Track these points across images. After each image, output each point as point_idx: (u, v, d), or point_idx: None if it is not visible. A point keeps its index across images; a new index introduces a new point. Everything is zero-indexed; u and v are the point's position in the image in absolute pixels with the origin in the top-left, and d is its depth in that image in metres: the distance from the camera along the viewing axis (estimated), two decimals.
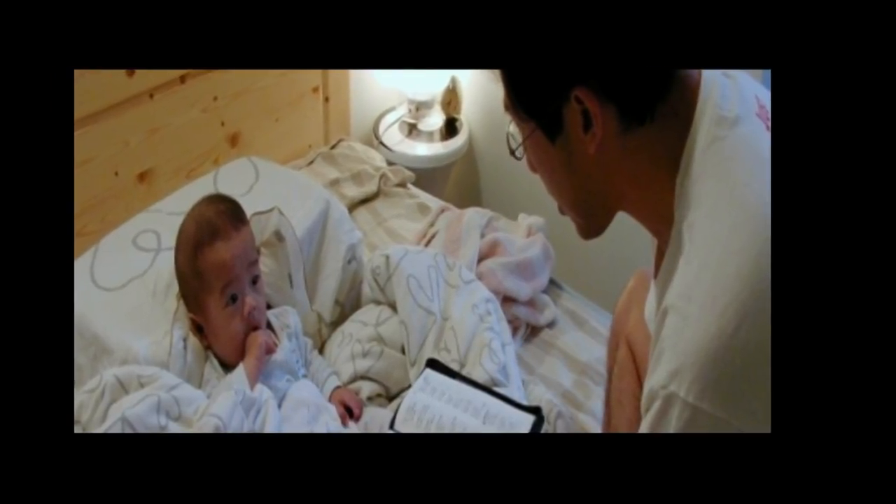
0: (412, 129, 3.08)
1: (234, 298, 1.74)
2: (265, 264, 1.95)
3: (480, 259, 2.24)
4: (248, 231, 1.81)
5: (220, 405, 1.59)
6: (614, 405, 1.68)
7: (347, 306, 2.11)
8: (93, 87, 2.07)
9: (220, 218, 1.74)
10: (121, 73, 2.14)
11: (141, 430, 1.56)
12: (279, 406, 1.73)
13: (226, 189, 1.98)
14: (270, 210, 1.96)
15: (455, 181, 3.33)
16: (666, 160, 1.11)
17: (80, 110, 2.06)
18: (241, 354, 1.76)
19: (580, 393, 2.03)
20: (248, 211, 1.85)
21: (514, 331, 2.13)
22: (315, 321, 2.04)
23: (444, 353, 1.91)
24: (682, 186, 1.10)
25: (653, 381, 1.04)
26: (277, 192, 2.07)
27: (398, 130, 3.09)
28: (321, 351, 2.03)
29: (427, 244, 2.35)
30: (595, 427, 1.90)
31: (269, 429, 1.64)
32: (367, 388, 1.92)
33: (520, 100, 1.17)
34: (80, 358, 1.74)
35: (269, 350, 1.78)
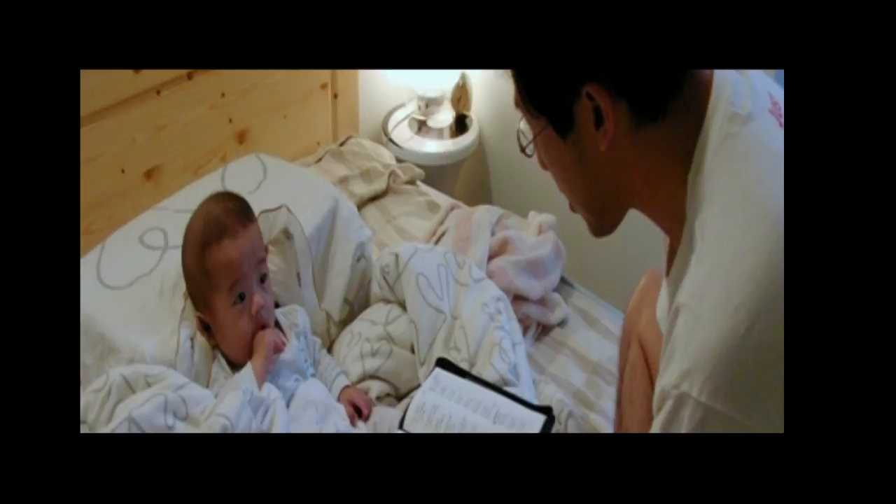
0: (422, 126, 3.08)
1: (241, 297, 1.74)
2: (273, 262, 1.94)
3: (491, 257, 2.22)
4: (256, 229, 1.80)
5: (228, 405, 1.59)
6: (626, 405, 1.67)
7: (356, 305, 2.10)
8: (99, 83, 2.07)
9: (227, 216, 1.74)
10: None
11: (148, 430, 1.55)
12: (287, 406, 1.72)
13: (233, 186, 1.97)
14: (279, 208, 1.95)
15: (465, 178, 3.32)
16: (678, 157, 1.11)
17: (86, 107, 2.06)
18: (248, 353, 1.76)
19: (591, 392, 2.02)
20: (256, 209, 1.84)
21: (525, 330, 2.12)
22: (324, 320, 2.03)
23: (454, 352, 1.90)
24: (695, 184, 1.09)
25: (664, 380, 1.04)
26: (286, 190, 2.06)
27: (407, 127, 3.09)
28: (330, 350, 2.03)
29: (437, 242, 2.35)
30: (606, 427, 1.89)
31: (278, 429, 1.63)
32: (376, 388, 1.91)
33: (531, 96, 1.17)
34: (87, 357, 1.73)
35: (278, 349, 1.78)
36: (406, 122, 3.09)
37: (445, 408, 1.75)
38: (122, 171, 2.24)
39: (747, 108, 1.09)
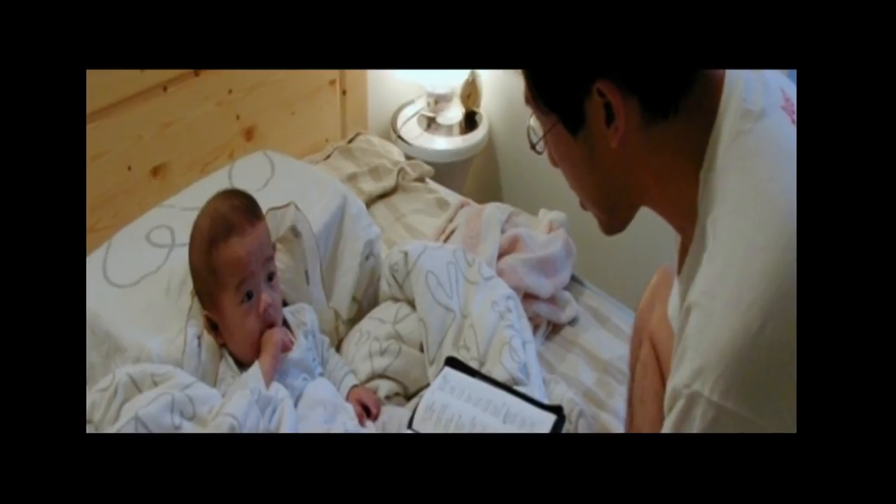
0: (431, 123, 3.07)
1: (249, 295, 1.73)
2: (281, 261, 1.94)
3: (501, 255, 2.22)
4: (264, 227, 1.79)
5: (236, 404, 1.58)
6: (637, 404, 1.67)
7: (365, 303, 2.09)
8: (105, 80, 2.06)
9: (235, 213, 1.73)
10: None
11: (154, 429, 1.55)
12: (295, 405, 1.72)
13: (241, 184, 1.97)
14: (286, 205, 1.94)
15: (474, 176, 3.32)
16: (689, 154, 1.10)
17: (92, 104, 2.05)
18: (256, 352, 1.75)
19: (602, 392, 2.01)
20: (264, 206, 1.84)
21: (535, 328, 2.12)
22: (332, 318, 2.03)
23: (464, 350, 1.89)
24: (706, 181, 1.09)
25: (676, 379, 1.03)
26: (294, 187, 2.06)
27: (416, 124, 3.08)
28: (338, 349, 2.02)
29: (446, 240, 2.34)
30: (617, 426, 1.88)
31: (286, 428, 1.62)
32: (384, 387, 1.91)
33: (541, 93, 1.17)
34: (93, 356, 1.73)
35: (286, 348, 1.77)
36: (415, 118, 3.09)
37: (455, 407, 1.74)
38: (129, 169, 2.24)
39: (759, 105, 1.08)
